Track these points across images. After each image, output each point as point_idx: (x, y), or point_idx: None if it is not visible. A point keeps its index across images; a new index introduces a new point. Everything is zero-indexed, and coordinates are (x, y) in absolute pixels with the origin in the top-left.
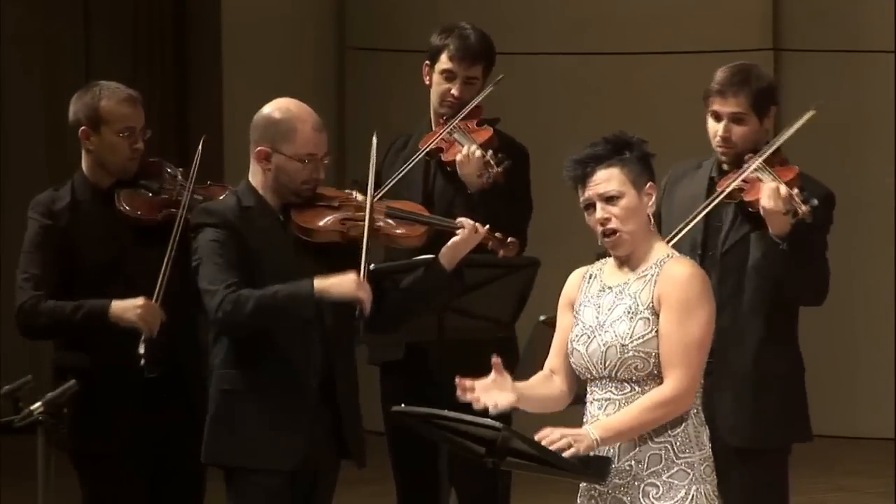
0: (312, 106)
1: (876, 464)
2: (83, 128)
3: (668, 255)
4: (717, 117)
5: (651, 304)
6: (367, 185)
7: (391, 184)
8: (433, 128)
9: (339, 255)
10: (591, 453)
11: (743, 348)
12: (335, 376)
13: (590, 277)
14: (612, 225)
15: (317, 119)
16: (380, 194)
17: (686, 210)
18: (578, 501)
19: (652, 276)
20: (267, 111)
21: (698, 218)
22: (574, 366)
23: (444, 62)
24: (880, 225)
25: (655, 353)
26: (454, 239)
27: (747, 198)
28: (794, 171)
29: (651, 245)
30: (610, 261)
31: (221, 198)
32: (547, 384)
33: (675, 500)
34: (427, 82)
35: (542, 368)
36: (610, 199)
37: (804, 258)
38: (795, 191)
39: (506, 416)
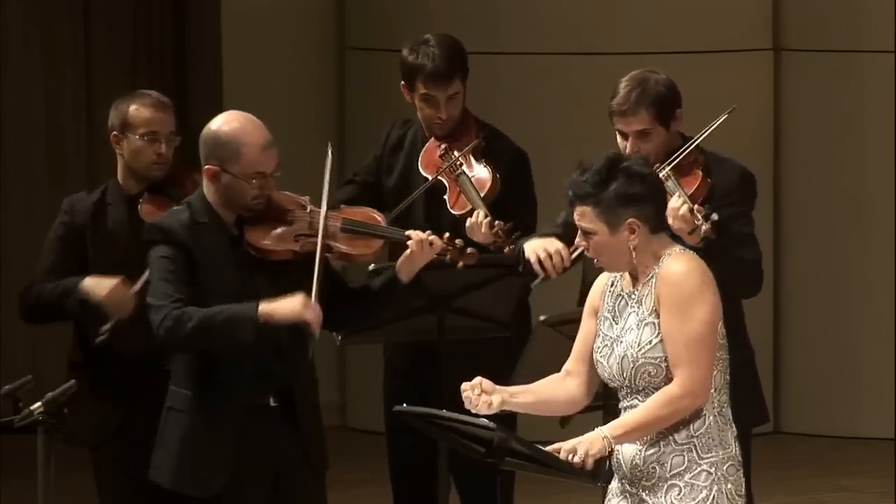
0: (312, 106)
1: (876, 464)
2: (114, 133)
3: (668, 254)
4: (624, 135)
5: (654, 309)
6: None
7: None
8: (427, 135)
9: (295, 272)
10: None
11: None
12: (292, 388)
13: (611, 284)
14: (588, 254)
15: (264, 136)
16: (326, 211)
17: None
18: (609, 498)
19: (653, 279)
20: (214, 127)
21: None
22: (602, 377)
23: (420, 87)
24: (880, 225)
25: (665, 358)
26: (406, 252)
27: None
28: (698, 179)
29: (653, 251)
30: None
31: (176, 209)
32: (555, 386)
33: (697, 500)
34: (408, 100)
35: (542, 368)
36: (585, 233)
37: (723, 263)
38: (696, 207)
39: (510, 418)
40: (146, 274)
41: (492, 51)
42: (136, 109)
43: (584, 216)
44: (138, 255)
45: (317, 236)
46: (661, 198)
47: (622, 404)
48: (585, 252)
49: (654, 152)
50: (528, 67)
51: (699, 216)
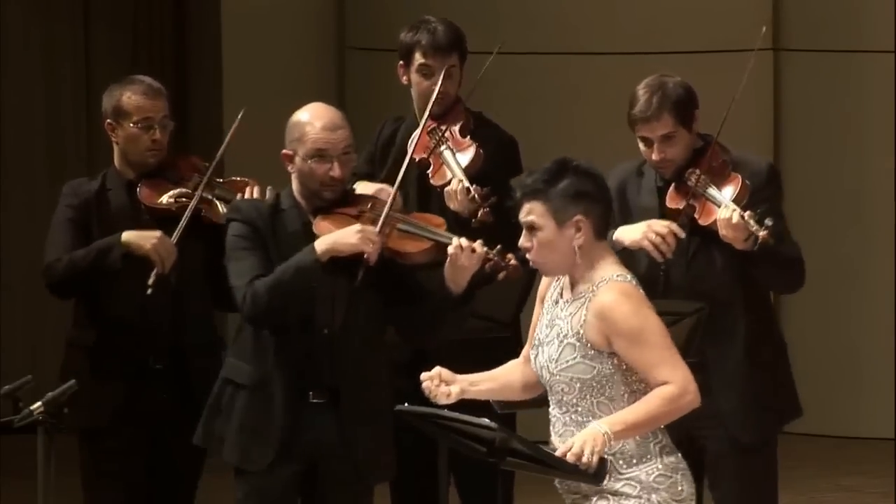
0: None
1: (876, 464)
2: (108, 121)
3: (605, 280)
4: (648, 142)
5: (579, 332)
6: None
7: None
8: (418, 124)
9: (362, 266)
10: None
11: (732, 346)
12: (339, 381)
13: (557, 279)
14: (529, 255)
15: (331, 117)
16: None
17: (644, 221)
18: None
19: (586, 300)
20: (293, 116)
21: None
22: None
23: (418, 58)
24: (881, 224)
25: (577, 379)
26: (448, 261)
27: (702, 221)
28: (737, 181)
29: (592, 267)
30: None
31: (267, 196)
32: (514, 371)
33: None
34: (405, 81)
35: None
36: (531, 230)
37: (771, 266)
38: (748, 214)
39: (510, 416)
40: (182, 223)
41: (492, 51)
42: (128, 97)
43: (531, 212)
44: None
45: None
46: (609, 201)
47: (551, 410)
48: (527, 254)
49: (680, 153)
50: (527, 67)
51: (752, 222)
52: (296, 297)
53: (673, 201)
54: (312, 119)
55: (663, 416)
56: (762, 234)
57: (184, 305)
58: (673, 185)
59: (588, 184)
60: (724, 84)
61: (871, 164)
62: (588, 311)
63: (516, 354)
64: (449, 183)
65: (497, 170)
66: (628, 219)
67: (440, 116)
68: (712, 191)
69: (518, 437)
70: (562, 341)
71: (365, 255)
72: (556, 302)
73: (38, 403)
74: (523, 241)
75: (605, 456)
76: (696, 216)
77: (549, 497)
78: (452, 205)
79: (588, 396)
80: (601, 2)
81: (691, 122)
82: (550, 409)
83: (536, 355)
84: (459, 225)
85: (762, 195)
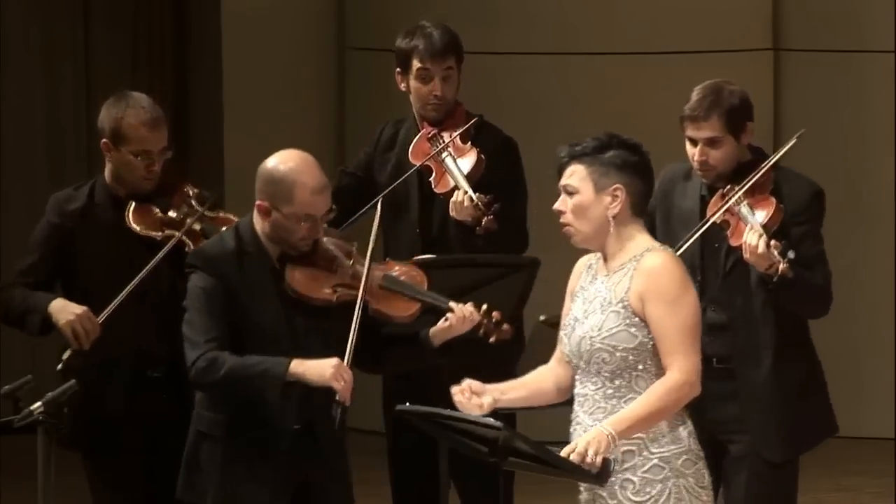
0: (312, 106)
1: (876, 464)
2: (104, 140)
3: (647, 249)
4: (693, 142)
5: (624, 299)
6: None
7: (380, 198)
8: (419, 129)
9: (336, 310)
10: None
11: (761, 362)
12: (314, 419)
13: (589, 267)
14: (563, 219)
15: (318, 179)
16: (369, 268)
17: (683, 226)
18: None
19: (629, 269)
20: (270, 165)
21: (689, 243)
22: (564, 354)
23: (416, 64)
24: (881, 225)
25: (622, 348)
26: (444, 324)
27: (733, 242)
28: (772, 205)
29: (628, 239)
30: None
31: (224, 230)
32: (544, 376)
33: (651, 494)
34: (403, 88)
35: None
36: (568, 193)
37: (795, 290)
38: (773, 243)
39: (509, 416)
40: (160, 255)
41: (491, 51)
42: (130, 126)
43: (573, 175)
44: (125, 258)
45: (356, 289)
46: (652, 180)
47: (577, 389)
48: (561, 217)
49: (723, 160)
50: (527, 67)
51: (775, 253)
52: (243, 391)
53: (712, 211)
54: (303, 178)
55: (665, 408)
56: (782, 266)
57: (175, 325)
58: (717, 194)
59: (634, 157)
60: None
61: (871, 164)
62: (633, 278)
63: (516, 354)
64: (452, 191)
65: (498, 172)
66: (669, 219)
67: (439, 122)
68: (745, 210)
69: (521, 436)
70: (605, 309)
71: (338, 397)
72: (592, 282)
73: (38, 403)
74: (559, 205)
75: (609, 456)
76: (729, 239)
77: (550, 497)
78: (457, 214)
79: (627, 367)
80: (601, 2)
81: (741, 133)
82: (578, 390)
83: (572, 332)
84: (464, 233)
85: (801, 217)
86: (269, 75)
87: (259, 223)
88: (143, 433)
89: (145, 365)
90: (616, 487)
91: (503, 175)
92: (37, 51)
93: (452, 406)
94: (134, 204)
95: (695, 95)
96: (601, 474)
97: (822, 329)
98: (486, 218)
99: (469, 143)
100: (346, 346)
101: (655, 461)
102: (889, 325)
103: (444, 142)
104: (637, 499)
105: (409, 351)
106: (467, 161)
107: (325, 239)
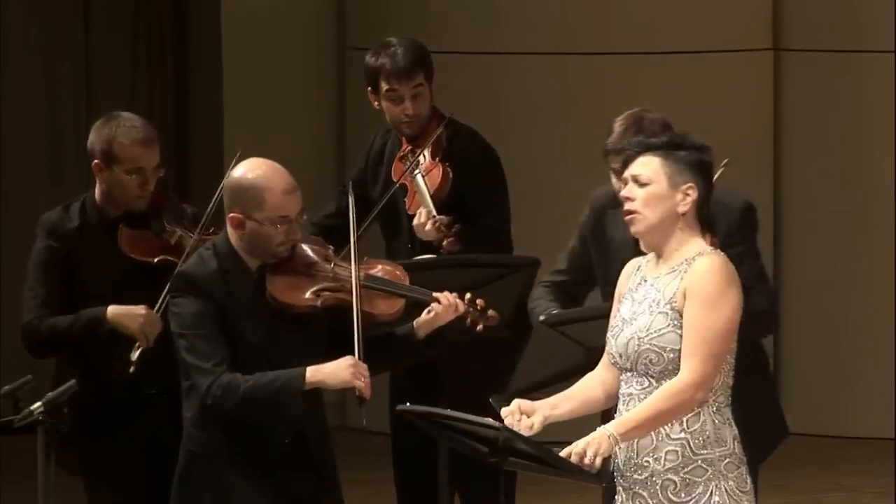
0: (312, 106)
1: (876, 464)
2: (96, 161)
3: (699, 253)
4: (618, 174)
5: (673, 300)
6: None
7: (371, 217)
8: (401, 144)
9: (321, 317)
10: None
11: None
12: (306, 432)
13: (637, 269)
14: (630, 206)
15: (286, 180)
16: (359, 272)
17: (620, 258)
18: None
19: (680, 272)
20: (236, 175)
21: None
22: (610, 355)
23: (384, 85)
24: (880, 225)
25: (670, 349)
26: (428, 315)
27: None
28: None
29: (687, 241)
30: (652, 254)
31: (203, 253)
32: (592, 384)
33: (693, 496)
34: (377, 107)
35: (541, 369)
36: (639, 183)
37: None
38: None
39: None
40: (165, 292)
41: (491, 51)
42: (122, 145)
43: (646, 165)
44: (120, 279)
45: (339, 291)
46: (712, 188)
47: (622, 389)
48: (627, 204)
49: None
50: (526, 67)
51: None
52: (264, 411)
53: None
54: (271, 182)
55: (668, 411)
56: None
57: (167, 343)
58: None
59: (705, 160)
60: (724, 84)
61: (871, 164)
62: (682, 280)
63: (516, 354)
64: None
65: (475, 180)
66: (603, 251)
67: (414, 138)
68: None
69: (521, 436)
70: (653, 310)
71: (357, 393)
72: (641, 285)
73: (38, 403)
74: (626, 192)
75: (609, 456)
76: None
77: (550, 497)
78: (421, 235)
79: (675, 368)
80: (601, 2)
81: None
82: (623, 389)
83: (620, 333)
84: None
85: (734, 238)
86: (269, 75)
87: (234, 238)
88: (139, 452)
89: (140, 386)
90: (657, 487)
91: (479, 187)
92: (37, 51)
93: (452, 406)
94: (125, 228)
95: (616, 127)
96: (600, 475)
97: (822, 329)
98: (446, 240)
99: (438, 157)
100: (341, 351)
101: (699, 462)
102: (888, 326)
103: (411, 160)
104: (678, 499)
105: (394, 346)
106: (432, 177)
107: (300, 245)
